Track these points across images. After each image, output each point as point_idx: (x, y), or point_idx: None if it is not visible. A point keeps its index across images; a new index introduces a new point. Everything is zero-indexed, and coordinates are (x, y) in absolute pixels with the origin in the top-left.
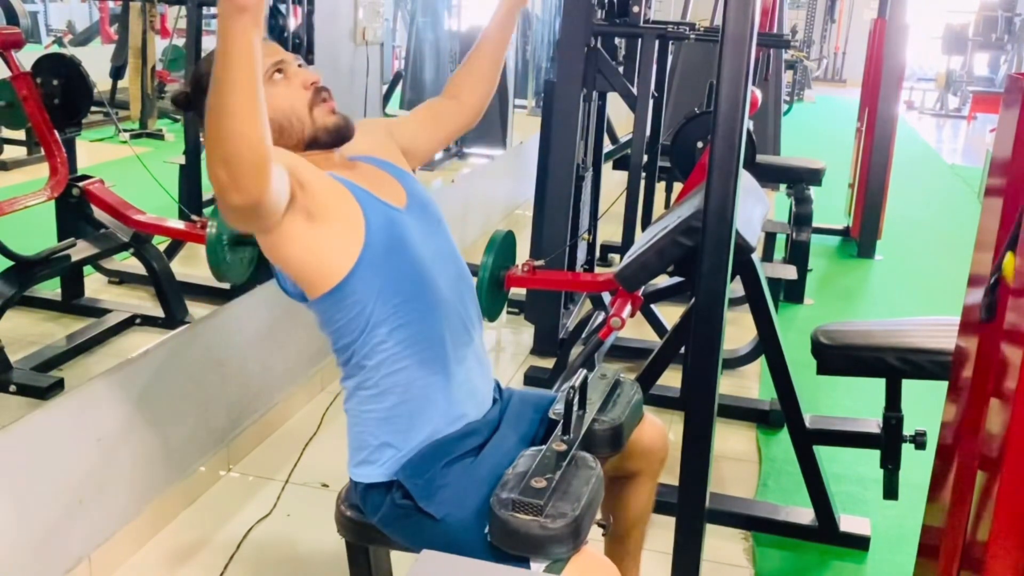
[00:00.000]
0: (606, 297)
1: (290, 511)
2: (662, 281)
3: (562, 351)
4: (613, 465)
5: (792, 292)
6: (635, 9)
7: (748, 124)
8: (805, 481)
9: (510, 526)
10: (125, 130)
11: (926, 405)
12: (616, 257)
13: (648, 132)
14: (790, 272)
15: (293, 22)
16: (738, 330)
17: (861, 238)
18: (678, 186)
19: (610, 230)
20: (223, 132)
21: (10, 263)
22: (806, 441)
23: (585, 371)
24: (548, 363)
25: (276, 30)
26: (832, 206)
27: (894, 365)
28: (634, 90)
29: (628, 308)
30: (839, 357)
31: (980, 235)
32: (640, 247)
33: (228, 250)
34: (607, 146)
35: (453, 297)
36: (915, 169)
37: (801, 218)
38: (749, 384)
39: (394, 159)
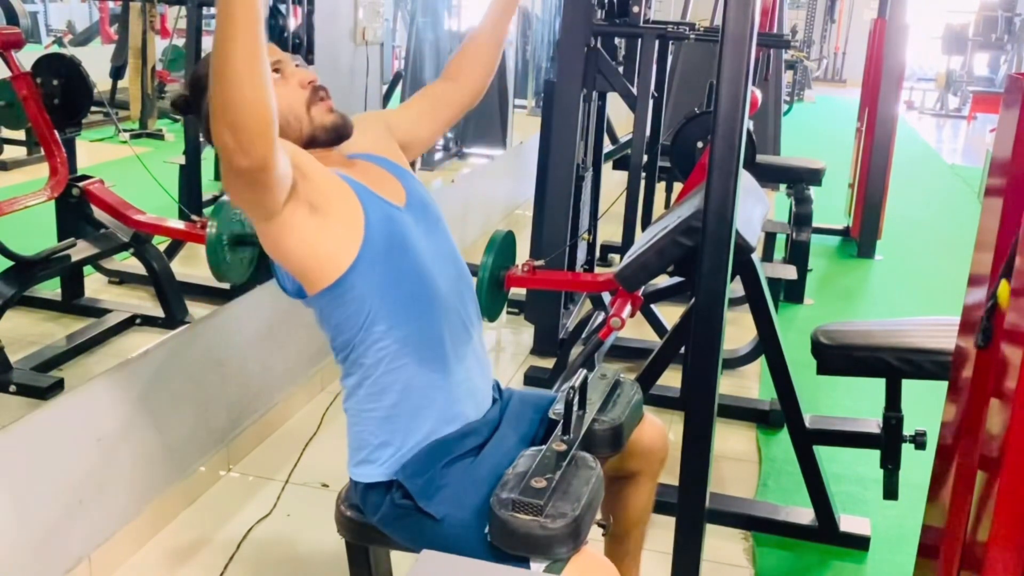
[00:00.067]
0: (606, 297)
1: (290, 511)
2: (662, 281)
3: (562, 351)
4: (613, 465)
5: (792, 292)
6: (635, 9)
7: (748, 124)
8: (805, 481)
9: (510, 526)
10: (125, 130)
11: (926, 405)
12: (616, 257)
13: (648, 132)
14: (790, 272)
15: (293, 22)
16: (738, 330)
17: (861, 238)
18: (678, 186)
19: (610, 230)
20: (227, 95)
21: (10, 263)
22: (806, 441)
23: (585, 371)
24: (548, 363)
25: (276, 30)
26: (832, 206)
27: (894, 365)
28: (634, 90)
29: (628, 308)
30: (839, 357)
31: (980, 235)
32: (640, 247)
33: (228, 250)
34: (607, 146)
35: (452, 296)
36: (915, 169)
37: (801, 218)
38: (749, 384)
39: (393, 156)
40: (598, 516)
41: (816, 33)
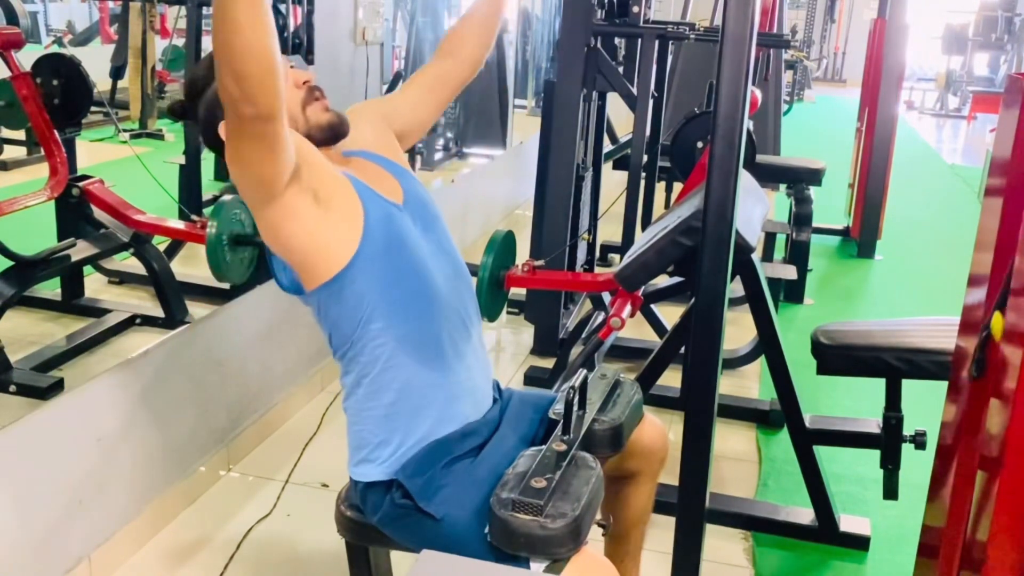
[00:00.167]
0: (606, 297)
1: (290, 511)
2: (662, 281)
3: (562, 351)
4: (613, 465)
5: (792, 292)
6: (635, 9)
7: (748, 124)
8: (805, 481)
9: (510, 526)
10: (125, 130)
11: (926, 405)
12: (616, 257)
13: (648, 132)
14: (790, 272)
15: (293, 22)
16: (738, 330)
17: (861, 238)
18: (678, 186)
19: (610, 230)
20: (228, 42)
21: (10, 263)
22: (806, 441)
23: (585, 371)
24: (548, 363)
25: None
26: (832, 206)
27: (894, 365)
28: (634, 90)
29: (628, 308)
30: (839, 357)
31: (980, 235)
32: (640, 247)
33: (228, 250)
34: (607, 146)
35: (451, 294)
36: (915, 169)
37: (801, 218)
38: (749, 384)
39: (390, 154)
40: (598, 516)
41: (816, 33)
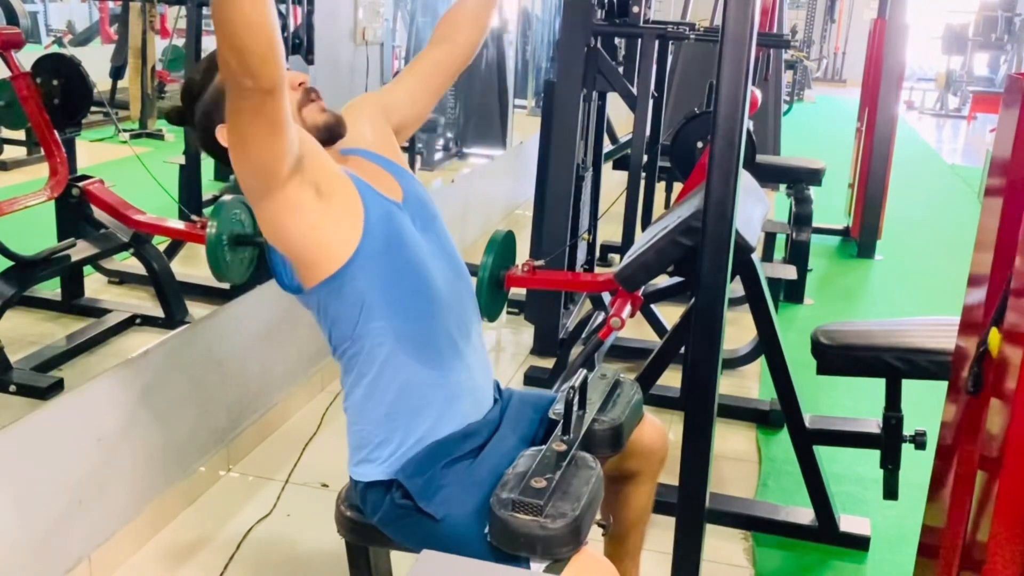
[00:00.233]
0: (606, 297)
1: (290, 511)
2: (662, 281)
3: (562, 351)
4: (613, 465)
5: (792, 292)
6: (635, 9)
7: (748, 124)
8: (805, 481)
9: (510, 526)
10: (125, 130)
11: (926, 405)
12: (616, 257)
13: (648, 132)
14: (790, 272)
15: (293, 22)
16: (738, 330)
17: (861, 238)
18: (678, 186)
19: (610, 230)
20: (227, 17)
21: (10, 263)
22: (806, 441)
23: (585, 371)
24: (548, 363)
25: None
26: (832, 206)
27: (894, 365)
28: (634, 90)
29: (628, 308)
30: (839, 357)
31: (980, 235)
32: (640, 247)
33: (228, 250)
34: (607, 146)
35: (450, 293)
36: (915, 169)
37: (801, 218)
38: (749, 384)
39: (389, 152)
40: (598, 516)
41: (816, 33)
